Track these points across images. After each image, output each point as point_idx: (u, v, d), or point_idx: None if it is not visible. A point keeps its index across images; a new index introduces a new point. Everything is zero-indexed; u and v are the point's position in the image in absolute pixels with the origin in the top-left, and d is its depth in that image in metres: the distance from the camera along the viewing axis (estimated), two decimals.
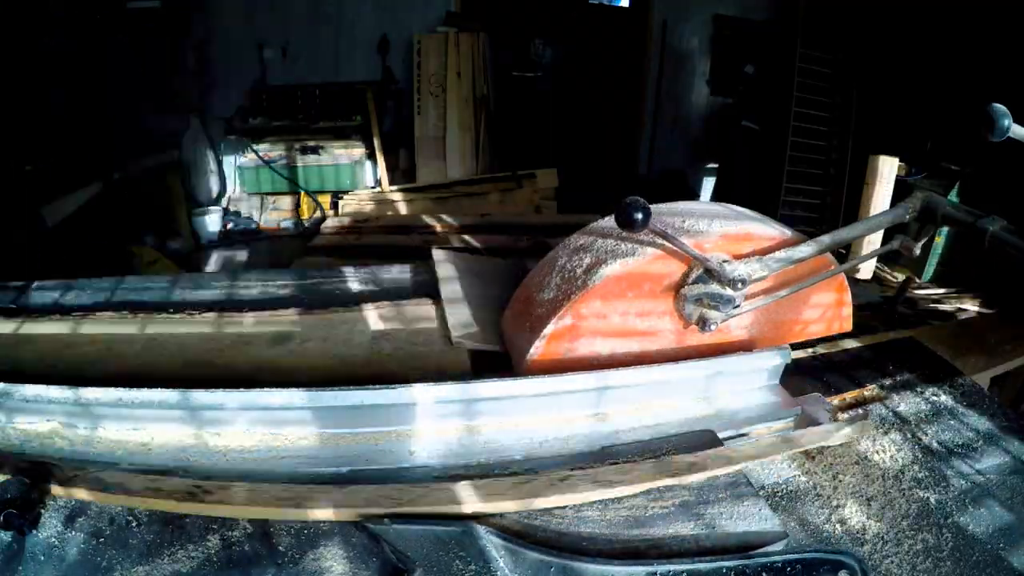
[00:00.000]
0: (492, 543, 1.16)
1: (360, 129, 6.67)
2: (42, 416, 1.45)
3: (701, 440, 1.57)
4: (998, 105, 1.30)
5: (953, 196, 4.25)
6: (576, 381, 1.59)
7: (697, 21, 7.02)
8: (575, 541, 1.22)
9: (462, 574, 1.12)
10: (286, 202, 6.83)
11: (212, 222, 6.41)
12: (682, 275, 1.71)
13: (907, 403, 2.07)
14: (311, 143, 6.61)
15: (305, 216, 6.78)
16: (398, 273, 2.50)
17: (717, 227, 1.73)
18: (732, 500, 1.38)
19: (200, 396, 1.44)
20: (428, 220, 5.34)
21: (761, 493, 1.57)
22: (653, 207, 1.57)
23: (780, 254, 1.72)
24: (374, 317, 2.12)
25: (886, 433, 1.92)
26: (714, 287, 1.69)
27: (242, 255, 6.14)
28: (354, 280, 2.44)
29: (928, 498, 1.68)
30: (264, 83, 6.62)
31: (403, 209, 6.51)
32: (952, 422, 2.00)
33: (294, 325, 2.09)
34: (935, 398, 2.11)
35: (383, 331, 2.04)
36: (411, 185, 6.74)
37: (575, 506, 1.31)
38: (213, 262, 5.96)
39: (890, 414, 2.02)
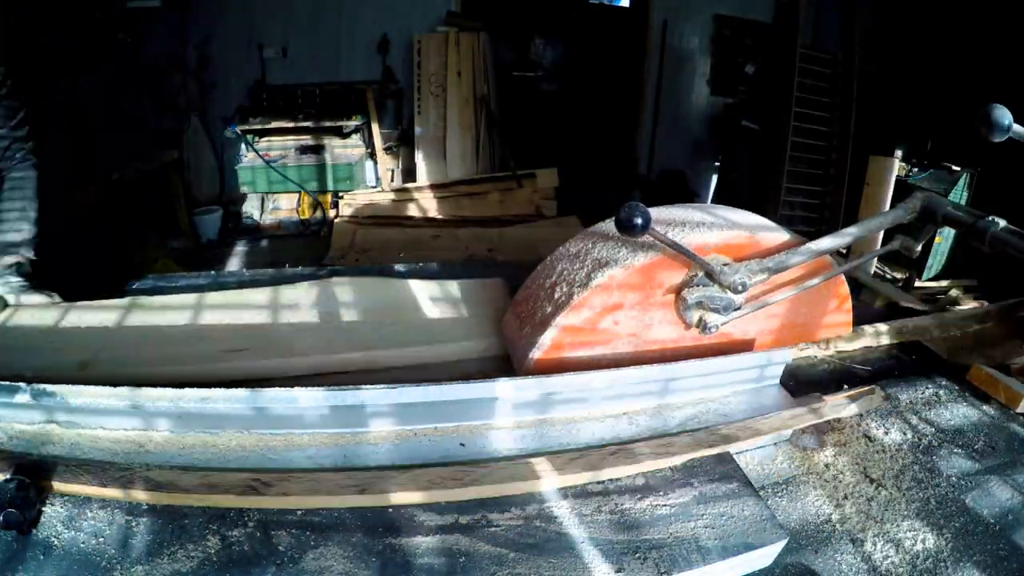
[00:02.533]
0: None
1: (360, 129, 6.68)
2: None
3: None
4: (998, 105, 1.30)
5: (960, 195, 4.24)
6: (576, 381, 1.60)
7: (697, 21, 7.02)
8: (574, 542, 1.22)
9: None
10: (286, 201, 6.83)
11: (213, 221, 6.42)
12: (683, 278, 1.71)
13: (907, 403, 2.08)
14: (311, 142, 6.62)
15: (305, 215, 6.78)
16: None
17: (717, 230, 1.73)
18: (732, 500, 1.38)
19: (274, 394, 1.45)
20: None
21: (761, 493, 1.57)
22: (653, 210, 1.57)
23: (780, 257, 1.72)
24: None
25: (887, 433, 1.92)
26: (714, 290, 1.69)
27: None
28: None
29: (929, 498, 1.68)
30: (264, 83, 6.63)
31: (403, 209, 6.53)
32: (953, 422, 2.00)
33: None
34: (935, 398, 2.11)
35: None
36: (411, 185, 6.75)
37: (574, 509, 1.31)
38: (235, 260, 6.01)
39: (890, 414, 2.02)
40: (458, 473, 1.37)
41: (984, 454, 1.87)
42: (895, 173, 4.51)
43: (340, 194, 6.68)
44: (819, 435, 1.89)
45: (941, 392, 2.14)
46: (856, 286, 2.54)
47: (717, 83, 7.26)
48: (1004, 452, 1.88)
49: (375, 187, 6.80)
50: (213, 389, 1.40)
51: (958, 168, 4.33)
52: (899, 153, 4.69)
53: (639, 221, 1.43)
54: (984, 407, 2.08)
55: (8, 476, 1.18)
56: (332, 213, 6.68)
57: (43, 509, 1.17)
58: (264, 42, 6.51)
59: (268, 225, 6.79)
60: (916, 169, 4.60)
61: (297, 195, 6.75)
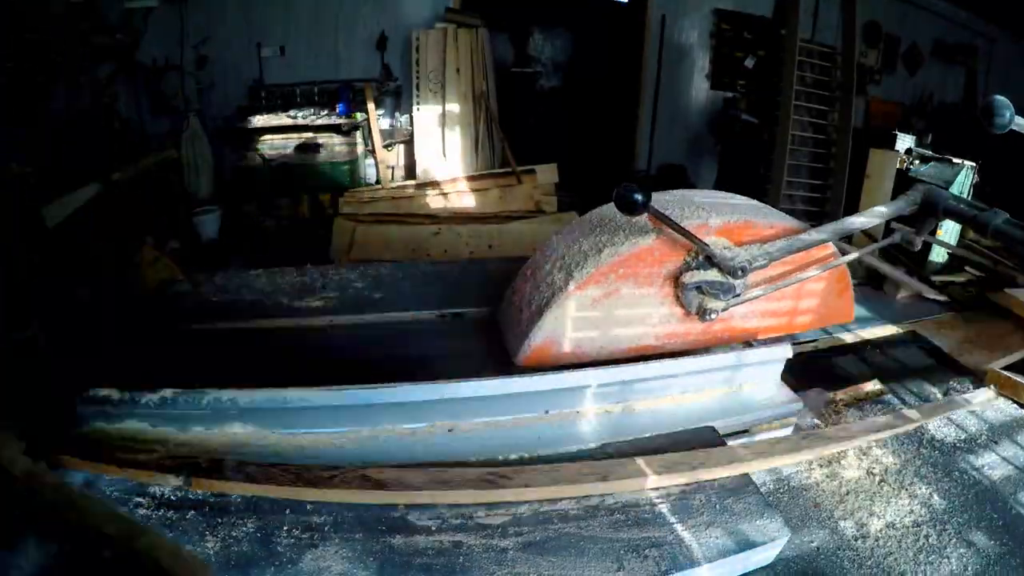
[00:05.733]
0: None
1: (359, 126, 6.66)
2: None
3: (699, 437, 1.56)
4: (1000, 98, 1.29)
5: (962, 188, 4.20)
6: (577, 377, 1.58)
7: (696, 15, 6.99)
8: (574, 541, 1.21)
9: None
10: (286, 200, 6.82)
11: (212, 221, 6.40)
12: (682, 262, 1.69)
13: (909, 398, 2.07)
14: (310, 141, 6.60)
15: (305, 214, 6.77)
16: None
17: (717, 213, 1.71)
18: (734, 497, 1.37)
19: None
20: None
21: (763, 490, 1.56)
22: (654, 194, 1.56)
23: (781, 242, 1.70)
24: None
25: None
26: (714, 275, 1.67)
27: None
28: None
29: (931, 495, 1.67)
30: (263, 82, 6.61)
31: (403, 206, 6.51)
32: (954, 417, 2.00)
33: None
34: (937, 393, 2.10)
35: None
36: (411, 182, 6.73)
37: (572, 507, 1.29)
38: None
39: (892, 410, 2.01)
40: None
41: (987, 449, 1.86)
42: (896, 166, 4.50)
43: (340, 192, 6.66)
44: (821, 430, 1.88)
45: (942, 387, 2.13)
46: (879, 278, 2.54)
47: (717, 77, 7.24)
48: (1007, 448, 1.87)
49: (375, 184, 6.78)
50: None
51: (959, 161, 4.30)
52: (900, 146, 4.67)
53: (639, 197, 1.41)
54: (985, 402, 2.08)
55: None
56: (332, 211, 6.66)
57: None
58: (262, 41, 6.49)
59: (268, 224, 6.77)
60: (917, 162, 4.57)
61: (297, 194, 6.74)
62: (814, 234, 1.73)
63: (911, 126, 5.79)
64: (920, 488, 1.70)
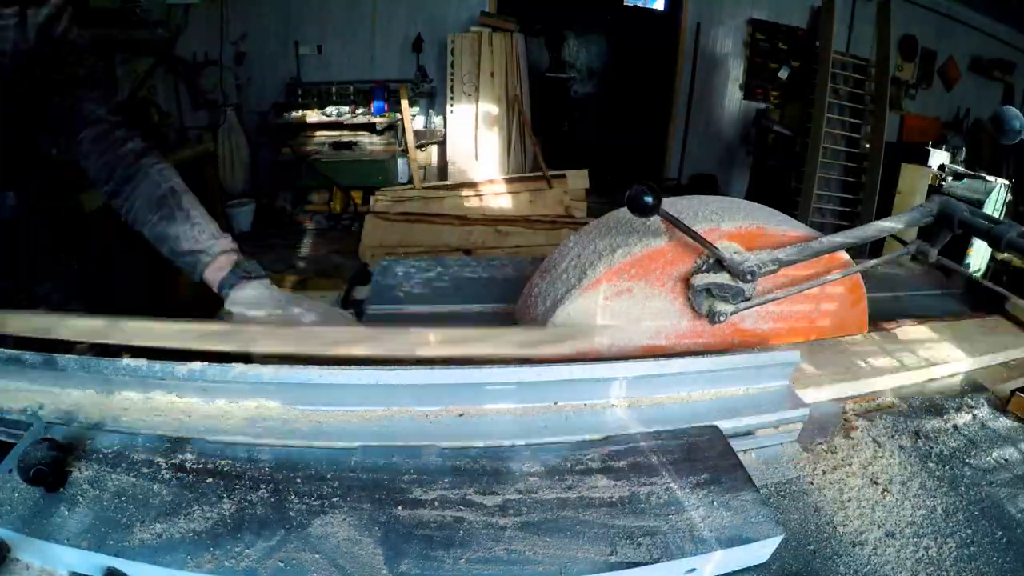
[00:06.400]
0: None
1: (393, 126, 6.79)
2: None
3: (702, 436, 1.59)
4: (1010, 108, 1.30)
5: (995, 206, 4.14)
6: (586, 370, 1.62)
7: (731, 24, 6.98)
8: (571, 524, 1.25)
9: None
10: (319, 196, 6.97)
11: (246, 213, 6.58)
12: (693, 265, 1.73)
13: (922, 411, 2.06)
14: (345, 139, 6.75)
15: (337, 210, 6.91)
16: None
17: (729, 218, 1.75)
18: (731, 494, 1.40)
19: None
20: None
21: (763, 491, 1.58)
22: (668, 199, 1.60)
23: (792, 249, 1.73)
24: None
25: (896, 439, 1.91)
26: (724, 278, 1.71)
27: None
28: None
29: (935, 506, 1.67)
30: (299, 79, 6.78)
31: (434, 207, 6.61)
32: (968, 432, 1.98)
33: None
34: (952, 408, 2.09)
35: None
36: (443, 183, 6.84)
37: (571, 493, 1.34)
38: None
39: (903, 421, 2.00)
40: None
41: (998, 465, 1.85)
42: (928, 182, 4.46)
43: (372, 190, 6.80)
44: (828, 438, 1.89)
45: (956, 401, 2.12)
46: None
47: (750, 88, 7.23)
48: (1018, 466, 1.86)
49: (407, 184, 6.90)
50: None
51: (992, 178, 4.24)
52: (934, 161, 4.63)
53: (649, 200, 1.45)
54: (1002, 419, 2.06)
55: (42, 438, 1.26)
56: (364, 209, 6.80)
57: (70, 470, 1.24)
58: (300, 39, 6.66)
59: (300, 219, 6.94)
60: (950, 178, 4.52)
61: (329, 191, 6.89)
62: (826, 242, 1.75)
63: (947, 142, 5.71)
64: (924, 500, 1.70)
